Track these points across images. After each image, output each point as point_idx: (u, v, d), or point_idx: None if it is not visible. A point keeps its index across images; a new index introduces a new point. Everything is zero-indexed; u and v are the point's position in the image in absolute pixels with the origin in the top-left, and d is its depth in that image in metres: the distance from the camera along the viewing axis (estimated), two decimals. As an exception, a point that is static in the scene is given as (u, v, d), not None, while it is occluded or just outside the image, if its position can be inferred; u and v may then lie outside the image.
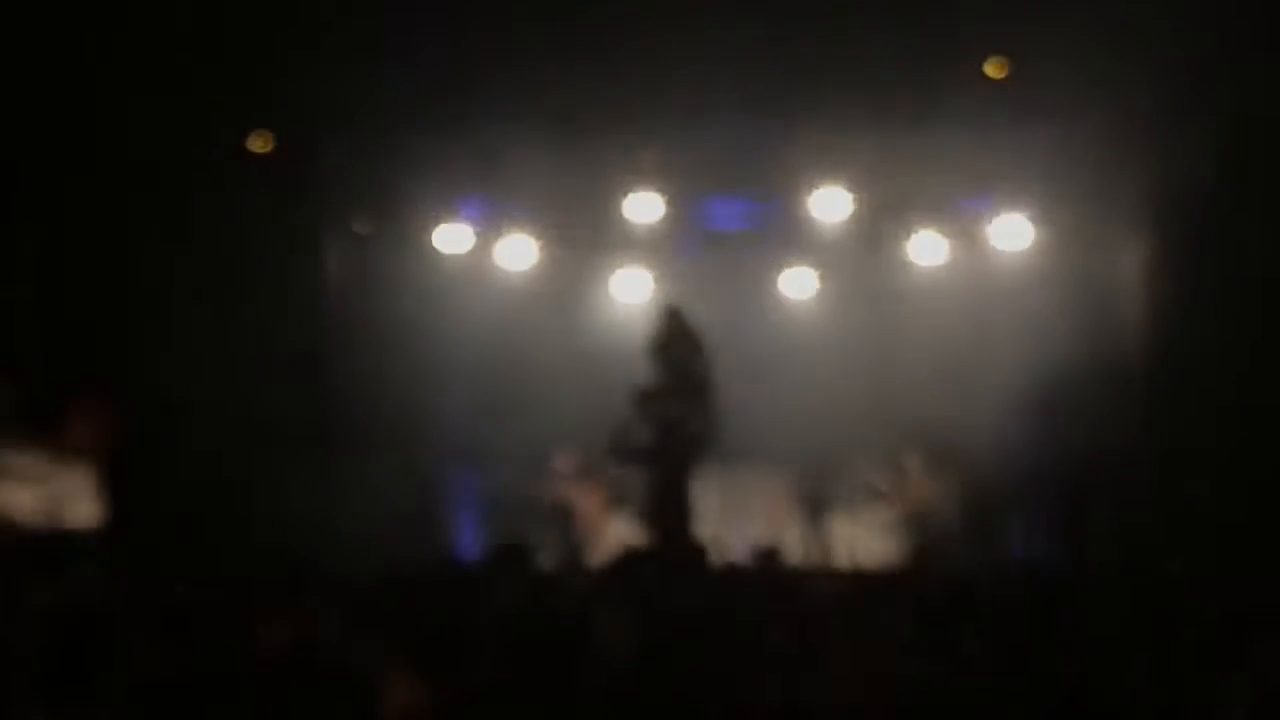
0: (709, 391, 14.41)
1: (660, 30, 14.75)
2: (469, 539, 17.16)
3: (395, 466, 16.61)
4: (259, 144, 16.68)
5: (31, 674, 4.33)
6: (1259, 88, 14.32)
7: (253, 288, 16.28)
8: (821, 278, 18.13)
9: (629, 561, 10.64)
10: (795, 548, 15.87)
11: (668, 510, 14.22)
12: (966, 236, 17.58)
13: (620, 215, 17.49)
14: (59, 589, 7.73)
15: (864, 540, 16.95)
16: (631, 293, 17.83)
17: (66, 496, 13.55)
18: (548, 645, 4.92)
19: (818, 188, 17.12)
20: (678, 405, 14.34)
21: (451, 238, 17.62)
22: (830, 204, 17.34)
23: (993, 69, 15.98)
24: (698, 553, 13.28)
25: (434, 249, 17.73)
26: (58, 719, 3.84)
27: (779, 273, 18.17)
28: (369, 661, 4.81)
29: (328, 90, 15.70)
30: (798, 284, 18.14)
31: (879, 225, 17.52)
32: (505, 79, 15.37)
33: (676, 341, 14.59)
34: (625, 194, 17.40)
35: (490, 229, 17.76)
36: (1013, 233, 17.52)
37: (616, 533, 16.13)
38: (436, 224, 17.66)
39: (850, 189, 17.07)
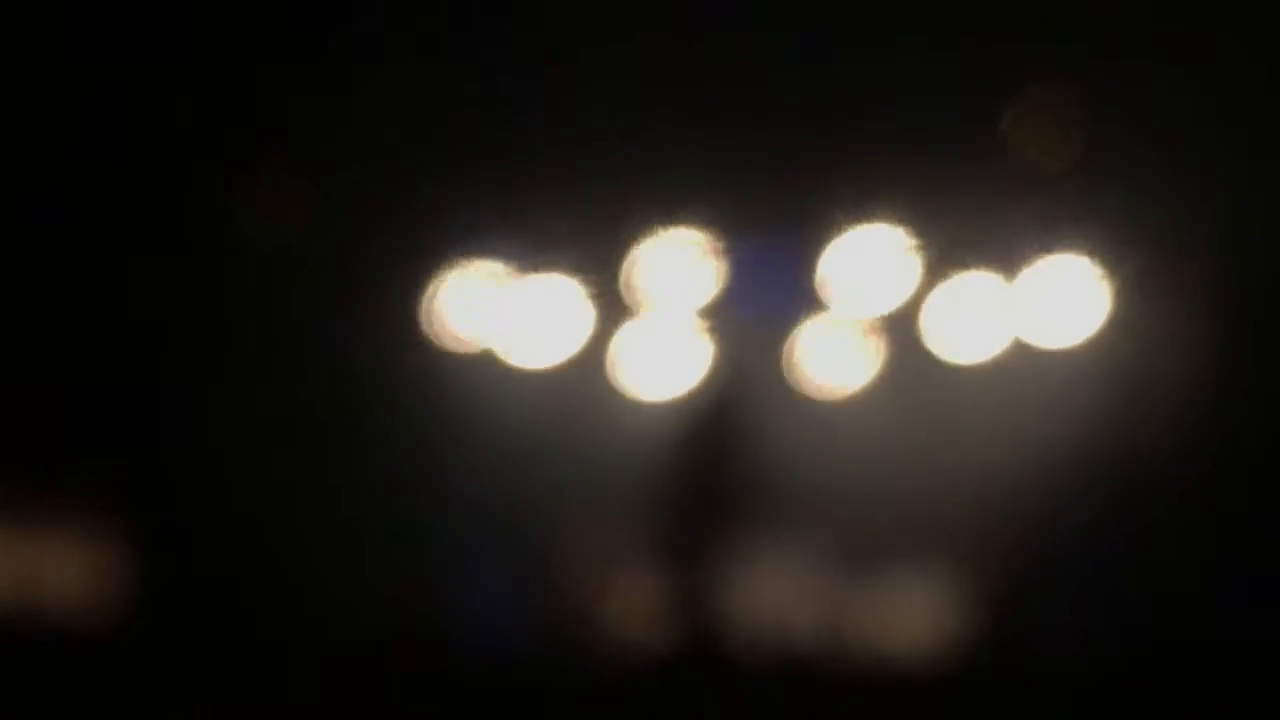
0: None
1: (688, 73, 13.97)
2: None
3: (412, 544, 16.07)
4: (260, 199, 16.24)
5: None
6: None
7: (257, 350, 16.08)
8: (857, 338, 17.37)
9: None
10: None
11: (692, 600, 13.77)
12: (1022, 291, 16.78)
13: (643, 263, 16.91)
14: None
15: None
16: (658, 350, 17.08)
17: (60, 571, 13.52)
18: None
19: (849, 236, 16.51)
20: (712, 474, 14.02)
21: (463, 291, 17.16)
22: (866, 256, 16.72)
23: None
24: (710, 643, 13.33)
25: (444, 304, 17.19)
26: None
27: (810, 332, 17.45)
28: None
29: (325, 135, 14.74)
30: (830, 346, 17.49)
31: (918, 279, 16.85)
32: (527, 120, 14.52)
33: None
34: (648, 241, 16.81)
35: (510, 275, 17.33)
36: (1070, 287, 16.54)
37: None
38: (446, 274, 16.99)
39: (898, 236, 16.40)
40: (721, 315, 15.98)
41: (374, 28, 14.38)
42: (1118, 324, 15.99)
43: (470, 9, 14.14)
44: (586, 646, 14.87)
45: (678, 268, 16.66)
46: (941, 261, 16.16)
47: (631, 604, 15.64)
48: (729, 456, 14.09)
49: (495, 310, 17.10)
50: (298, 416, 15.65)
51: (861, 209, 15.74)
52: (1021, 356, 16.28)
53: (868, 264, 16.32)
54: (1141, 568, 15.07)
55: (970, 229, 15.89)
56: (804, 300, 16.96)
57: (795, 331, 16.95)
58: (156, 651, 12.10)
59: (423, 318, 16.84)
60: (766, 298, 17.36)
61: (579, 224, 15.95)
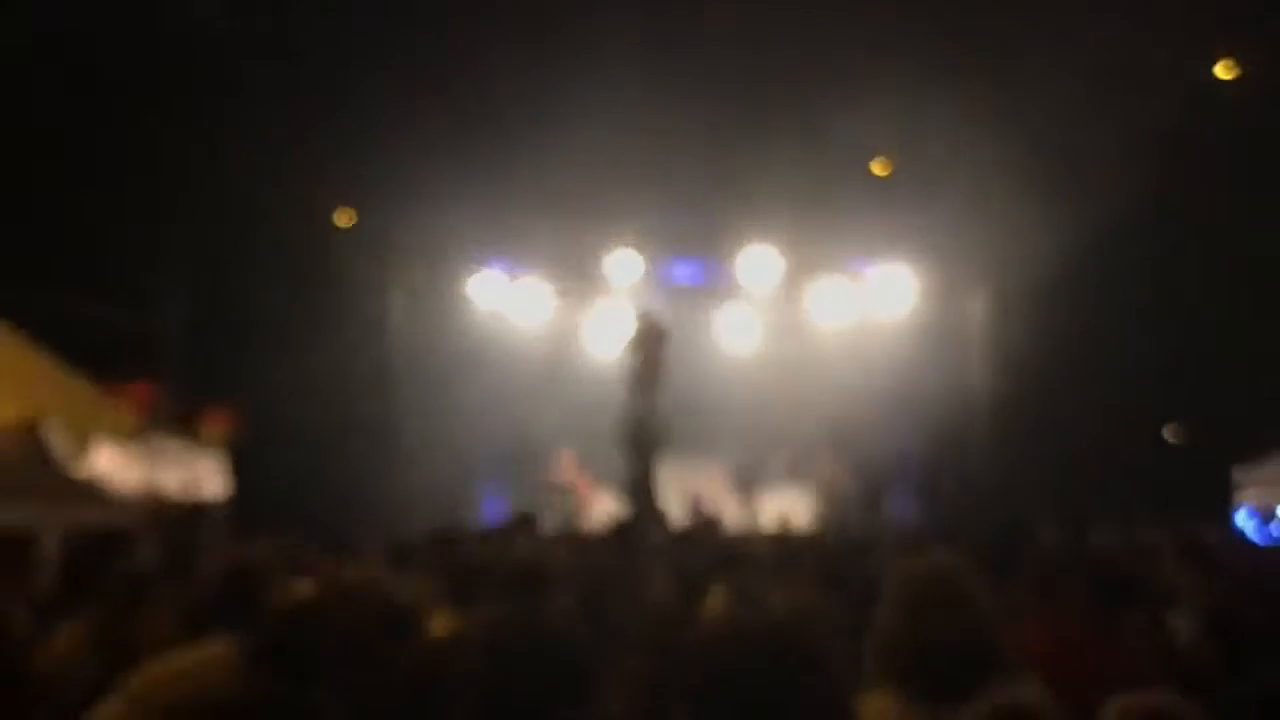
0: (666, 387, 15.62)
1: (634, 138, 16.66)
2: (493, 509, 18.49)
3: (442, 457, 18.18)
4: (345, 219, 18.38)
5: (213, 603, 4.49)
6: (1086, 185, 16.26)
7: (340, 321, 17.94)
8: (754, 317, 20.02)
9: (616, 527, 10.92)
10: (733, 518, 17.31)
11: (638, 489, 15.61)
12: (860, 286, 19.71)
13: (604, 269, 19.32)
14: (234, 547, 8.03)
15: (785, 510, 17.83)
16: (613, 327, 19.14)
17: (202, 477, 14.62)
18: (544, 585, 4.89)
19: (750, 248, 19.20)
20: (646, 402, 15.58)
21: (483, 285, 19.53)
22: (760, 261, 19.31)
23: (879, 166, 18.02)
24: (660, 520, 14.28)
25: (470, 294, 19.57)
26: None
27: (722, 312, 20.04)
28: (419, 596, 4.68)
29: (394, 180, 17.29)
30: (736, 322, 20.04)
31: (798, 277, 19.54)
32: (524, 170, 17.27)
33: (650, 336, 15.71)
34: (608, 253, 19.22)
35: (511, 278, 19.62)
36: (894, 283, 19.50)
37: (602, 505, 17.46)
38: (472, 274, 19.54)
39: (776, 250, 19.18)
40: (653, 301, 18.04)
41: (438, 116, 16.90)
42: (924, 308, 19.00)
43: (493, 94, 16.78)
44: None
45: (627, 269, 18.89)
46: (807, 266, 19.04)
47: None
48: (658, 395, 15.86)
49: (504, 294, 19.64)
50: (366, 365, 18.23)
51: (754, 232, 19.34)
52: (861, 330, 19.10)
53: (759, 268, 18.86)
54: (935, 470, 18.21)
55: (825, 246, 18.67)
56: (718, 290, 19.45)
57: (714, 311, 19.36)
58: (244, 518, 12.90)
59: (458, 297, 19.31)
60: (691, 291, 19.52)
61: (557, 240, 18.91)
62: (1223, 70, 17.42)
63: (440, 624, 4.77)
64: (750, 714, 2.43)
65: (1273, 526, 12.72)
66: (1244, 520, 12.99)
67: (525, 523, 10.63)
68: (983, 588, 3.47)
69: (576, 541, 10.32)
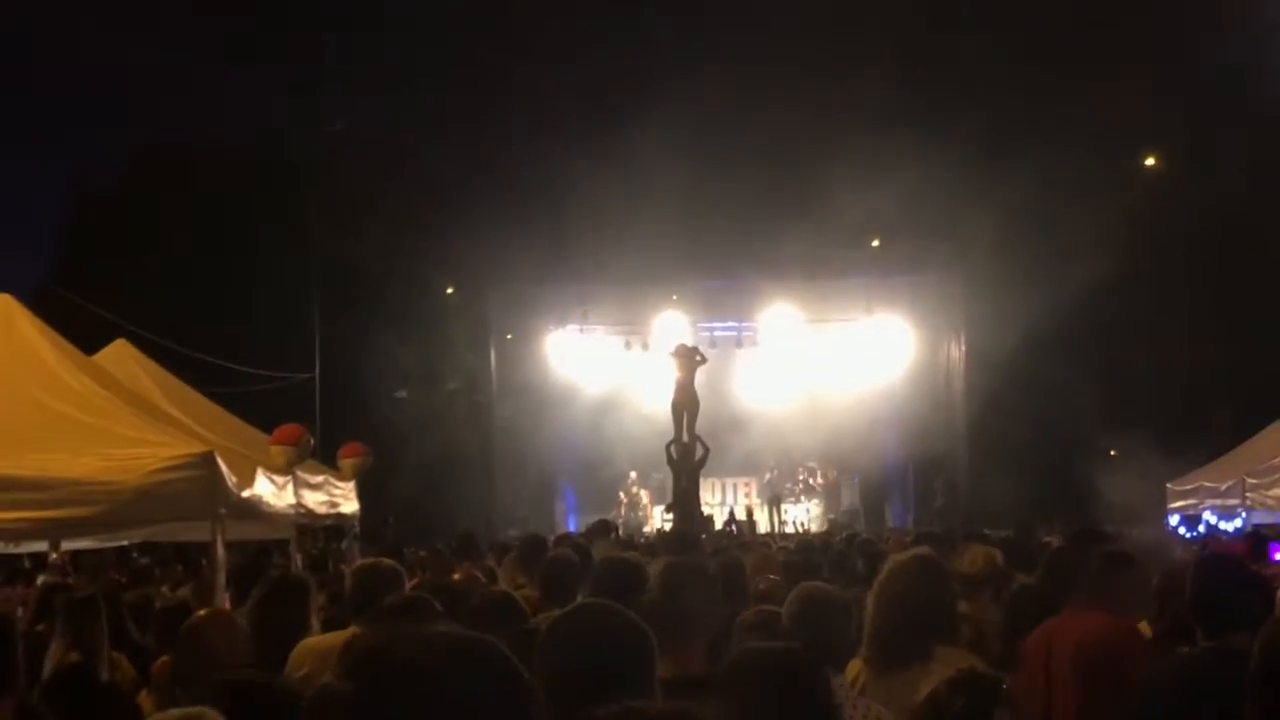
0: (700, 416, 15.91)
1: (676, 223, 17.09)
2: (572, 521, 18.65)
3: (529, 479, 18.66)
4: (450, 291, 18.56)
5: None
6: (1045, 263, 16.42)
7: (448, 372, 18.46)
8: (775, 362, 19.95)
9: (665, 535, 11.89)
10: (762, 522, 17.87)
11: (686, 501, 16.05)
12: (861, 335, 19.67)
13: (654, 327, 19.56)
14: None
15: (802, 517, 18.77)
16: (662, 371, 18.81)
17: (340, 497, 15.04)
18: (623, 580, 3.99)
19: (771, 307, 19.33)
20: (688, 432, 16.01)
21: (559, 341, 19.86)
22: (780, 317, 19.42)
23: (874, 240, 18.30)
24: (705, 524, 15.15)
25: (549, 348, 19.89)
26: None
27: (750, 359, 20.04)
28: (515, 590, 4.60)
29: (490, 261, 17.74)
30: (761, 366, 19.97)
31: (811, 328, 19.65)
32: (590, 251, 17.82)
33: (686, 358, 16.10)
34: (657, 314, 19.55)
35: (583, 335, 19.90)
36: (889, 333, 19.52)
37: (658, 515, 17.89)
38: (550, 333, 19.89)
39: (793, 307, 19.30)
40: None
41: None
42: (913, 353, 19.01)
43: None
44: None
45: (672, 326, 19.27)
46: (818, 318, 19.07)
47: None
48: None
49: (576, 348, 19.76)
50: (466, 407, 18.39)
51: (775, 293, 19.34)
52: (863, 371, 19.13)
53: (780, 322, 18.95)
54: (927, 475, 18.01)
55: (833, 303, 18.77)
56: (745, 341, 19.53)
57: (743, 358, 19.50)
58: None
59: (539, 351, 19.41)
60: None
61: (617, 305, 19.16)
62: (1154, 161, 17.77)
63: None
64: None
65: (1200, 530, 12.68)
66: (1175, 525, 12.96)
67: (604, 529, 10.17)
68: (942, 579, 3.47)
69: (647, 545, 10.22)
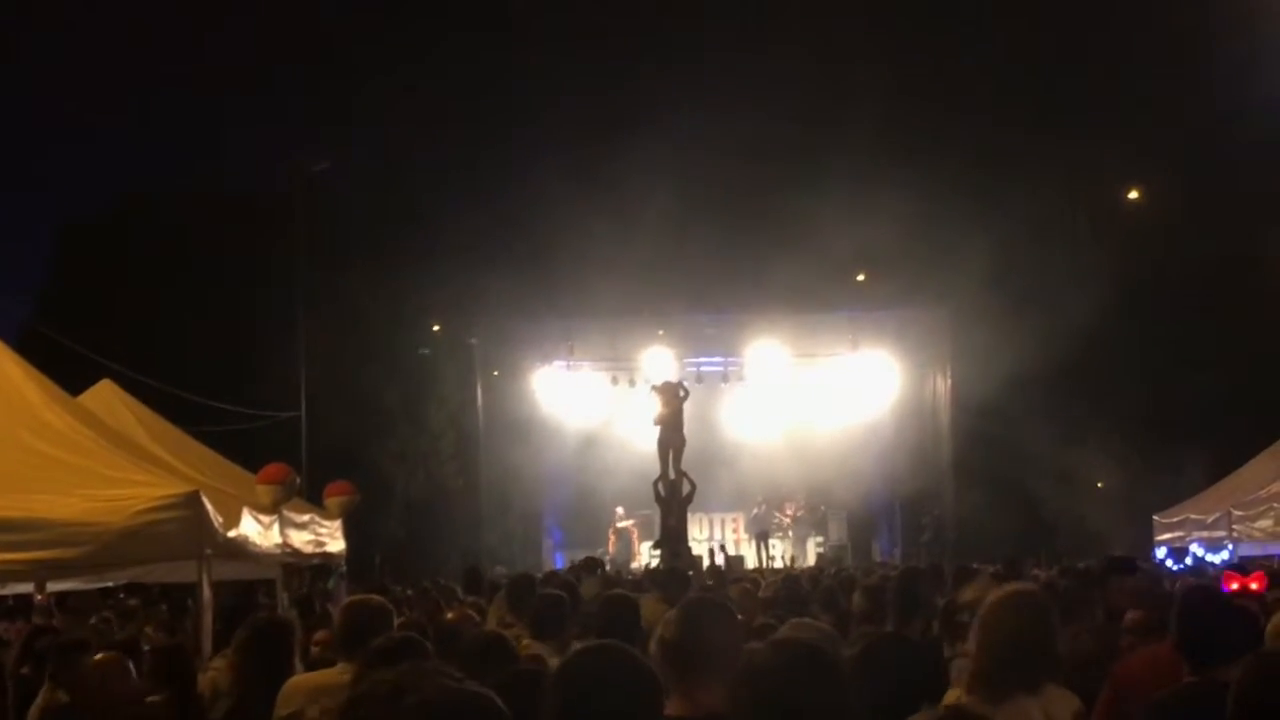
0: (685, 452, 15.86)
1: (663, 260, 17.25)
2: (559, 557, 18.77)
3: (515, 516, 18.62)
4: (438, 331, 18.63)
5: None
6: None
7: (435, 409, 18.42)
8: (762, 397, 19.92)
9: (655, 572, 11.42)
10: (750, 557, 17.73)
11: (674, 538, 15.93)
12: (848, 370, 19.72)
13: (641, 363, 19.54)
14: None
15: (789, 551, 18.74)
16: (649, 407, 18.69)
17: (326, 536, 14.95)
18: (613, 616, 4.33)
19: (758, 342, 19.33)
20: (675, 468, 15.89)
21: (546, 377, 19.84)
22: (766, 352, 19.42)
23: (861, 276, 18.39)
24: (690, 563, 14.53)
25: (536, 384, 19.84)
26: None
27: (736, 394, 20.03)
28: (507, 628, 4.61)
29: (475, 298, 17.80)
30: (748, 402, 19.97)
31: (798, 363, 19.67)
32: (575, 287, 17.77)
33: (670, 394, 16.01)
34: (644, 350, 19.49)
35: (570, 371, 19.86)
36: (876, 367, 19.58)
37: (646, 551, 17.72)
38: (536, 369, 19.84)
39: (780, 343, 19.31)
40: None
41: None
42: (899, 388, 19.04)
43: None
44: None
45: (659, 362, 19.35)
46: (803, 354, 19.08)
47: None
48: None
49: (562, 384, 19.75)
50: (452, 443, 18.40)
51: (761, 329, 19.58)
52: (850, 406, 19.16)
53: (766, 356, 19.38)
54: (914, 509, 17.96)
55: (820, 338, 18.83)
56: (731, 376, 19.51)
57: (729, 393, 19.43)
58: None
59: (526, 387, 19.42)
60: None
61: (603, 341, 19.22)
62: (1139, 196, 17.96)
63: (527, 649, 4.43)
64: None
65: (1187, 561, 12.74)
66: (1163, 558, 13.01)
67: (591, 566, 10.62)
68: (1046, 613, 3.38)
69: (636, 581, 10.22)
